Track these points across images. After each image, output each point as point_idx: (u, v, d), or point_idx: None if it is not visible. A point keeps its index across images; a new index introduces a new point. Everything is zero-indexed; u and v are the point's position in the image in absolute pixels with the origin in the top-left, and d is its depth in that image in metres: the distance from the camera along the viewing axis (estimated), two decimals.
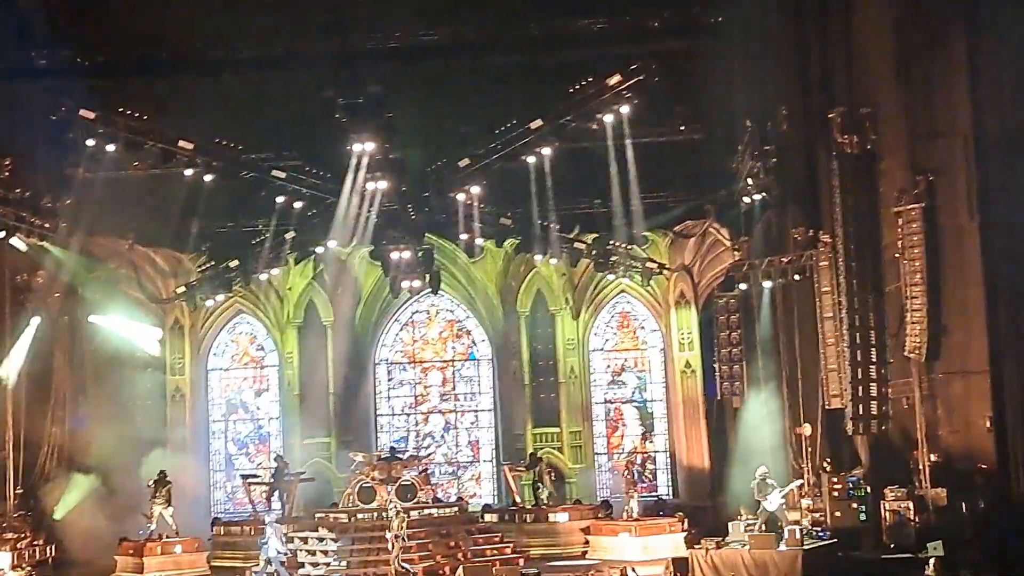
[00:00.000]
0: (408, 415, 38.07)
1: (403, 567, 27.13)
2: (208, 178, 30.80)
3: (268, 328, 37.61)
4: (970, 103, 28.08)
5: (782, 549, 25.41)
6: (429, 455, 36.19)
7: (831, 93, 31.18)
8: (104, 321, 34.00)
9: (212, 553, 31.16)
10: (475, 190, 32.09)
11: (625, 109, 29.72)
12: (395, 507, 28.31)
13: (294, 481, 33.23)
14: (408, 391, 38.13)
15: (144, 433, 34.52)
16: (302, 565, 27.69)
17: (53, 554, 31.46)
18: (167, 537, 30.52)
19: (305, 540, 28.40)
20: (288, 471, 33.24)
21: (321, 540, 28.12)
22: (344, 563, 27.23)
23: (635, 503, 31.39)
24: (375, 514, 29.47)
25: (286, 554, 27.59)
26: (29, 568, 28.18)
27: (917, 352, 27.68)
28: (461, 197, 32.10)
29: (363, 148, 30.05)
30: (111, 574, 29.59)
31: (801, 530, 26.37)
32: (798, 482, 29.28)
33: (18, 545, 29.84)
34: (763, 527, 26.98)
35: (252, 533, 31.49)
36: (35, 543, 30.99)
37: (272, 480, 33.02)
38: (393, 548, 27.09)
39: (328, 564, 27.42)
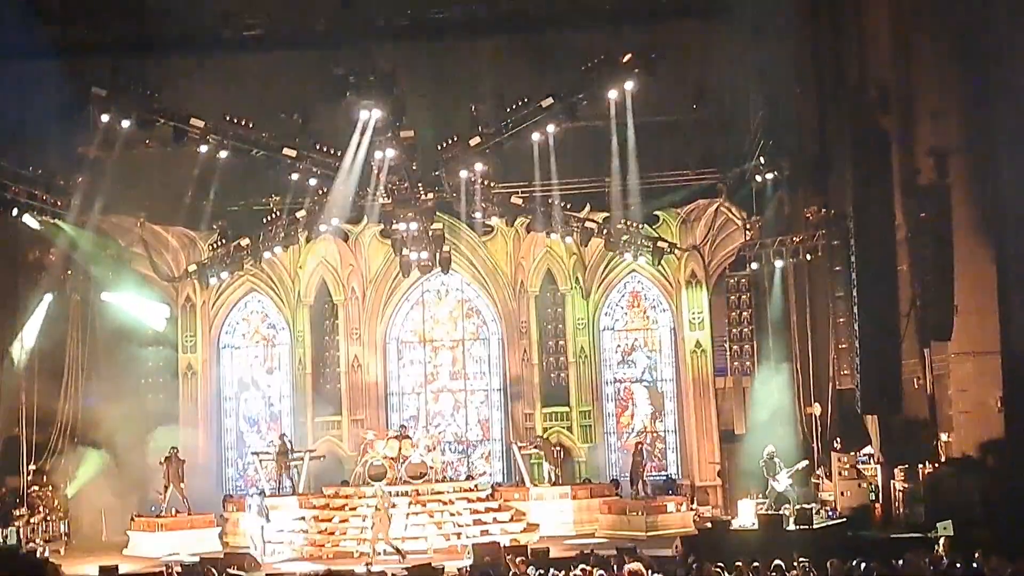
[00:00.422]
0: (418, 394, 38.10)
1: (392, 546, 27.25)
2: (220, 156, 30.82)
3: (279, 306, 37.62)
4: (982, 79, 28.02)
5: (791, 528, 25.48)
6: (439, 434, 36.24)
7: (844, 72, 31.11)
8: (116, 299, 34.09)
9: (224, 529, 31.27)
10: (486, 169, 32.05)
11: (637, 88, 29.63)
12: (378, 489, 28.37)
13: (304, 458, 33.36)
14: (418, 370, 38.14)
15: (156, 410, 34.65)
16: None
17: (66, 530, 31.65)
18: (179, 513, 30.69)
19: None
20: (292, 450, 33.39)
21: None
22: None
23: (645, 482, 31.47)
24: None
25: (263, 526, 27.97)
26: (42, 544, 28.31)
27: (929, 332, 27.68)
28: (472, 176, 32.06)
29: (373, 126, 30.03)
30: (123, 550, 29.74)
31: (810, 509, 26.44)
32: (804, 463, 29.33)
33: (31, 521, 30.02)
34: (772, 506, 27.06)
35: None
36: (48, 519, 31.20)
37: (276, 458, 33.17)
38: (373, 527, 27.20)
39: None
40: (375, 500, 28.22)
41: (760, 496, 28.51)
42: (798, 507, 27.29)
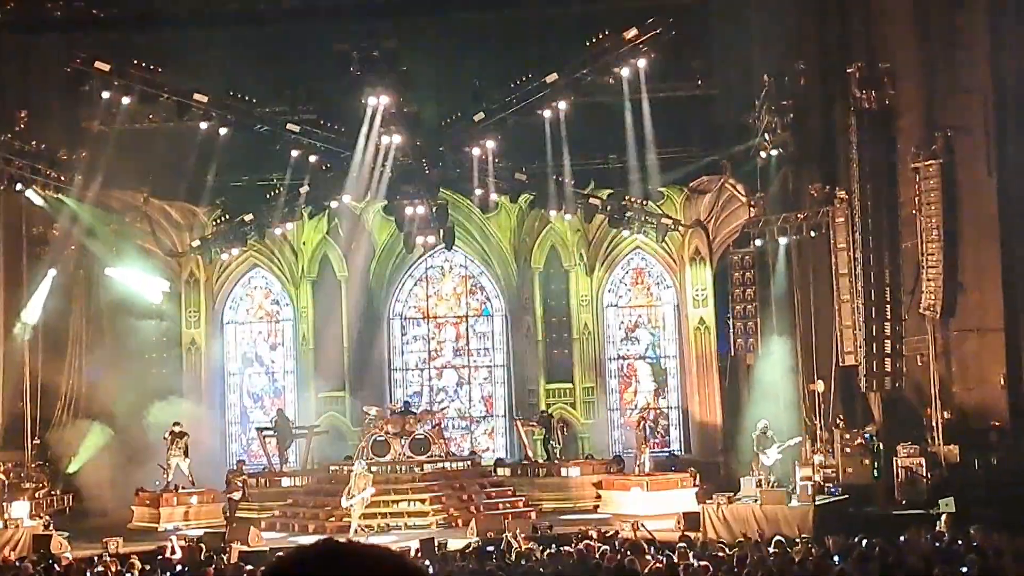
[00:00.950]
0: (422, 370, 38.15)
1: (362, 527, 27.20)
2: (223, 131, 30.81)
3: (283, 282, 37.62)
4: (989, 60, 27.97)
5: (794, 504, 25.51)
6: (442, 410, 36.30)
7: (849, 48, 31.03)
8: (119, 274, 34.09)
9: (227, 504, 31.32)
10: (490, 145, 32.00)
11: (641, 63, 29.53)
12: (360, 466, 28.21)
13: (308, 434, 33.44)
14: (422, 346, 38.18)
15: (159, 385, 34.66)
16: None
17: (70, 504, 31.73)
18: (183, 488, 30.78)
19: None
20: (293, 426, 33.49)
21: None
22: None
23: (647, 458, 31.51)
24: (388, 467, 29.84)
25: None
26: (47, 518, 28.37)
27: (932, 309, 27.70)
28: (476, 152, 32.03)
29: (377, 102, 30.00)
30: (127, 524, 29.80)
31: (812, 485, 26.46)
32: (797, 439, 29.32)
33: (36, 495, 30.07)
34: (762, 482, 27.06)
35: (268, 485, 31.79)
36: (52, 493, 31.27)
37: (275, 434, 33.25)
38: (356, 509, 27.06)
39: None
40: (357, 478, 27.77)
41: (753, 471, 28.52)
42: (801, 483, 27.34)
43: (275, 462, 33.39)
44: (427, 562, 19.35)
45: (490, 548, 21.13)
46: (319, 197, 33.46)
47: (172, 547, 22.55)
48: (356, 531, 26.70)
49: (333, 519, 28.74)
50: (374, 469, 29.00)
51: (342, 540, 3.58)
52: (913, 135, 28.75)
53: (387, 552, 3.46)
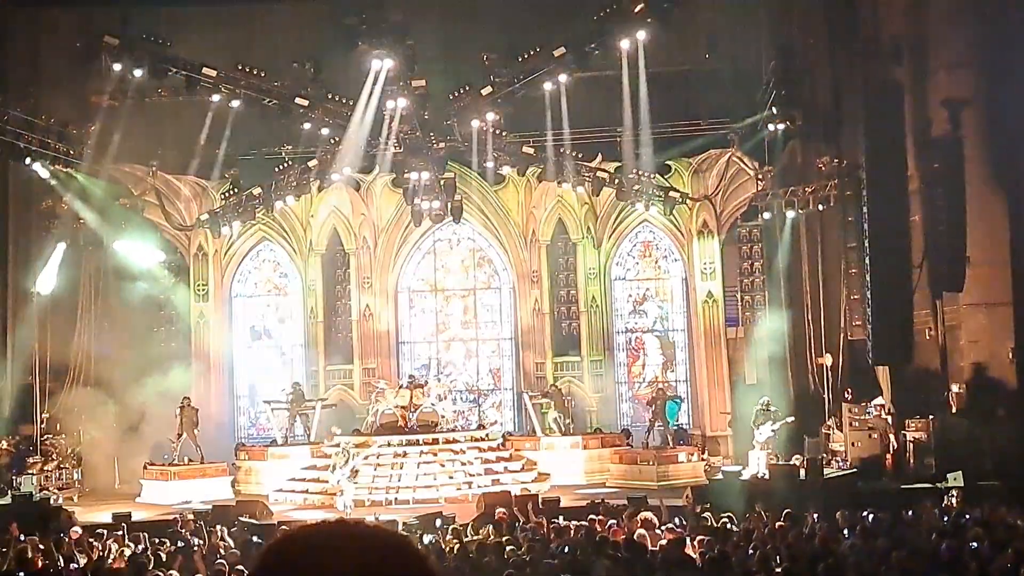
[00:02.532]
0: (429, 343, 38.21)
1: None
2: (232, 105, 30.81)
3: (291, 255, 37.66)
4: (994, 35, 27.90)
5: (801, 477, 25.58)
6: (451, 383, 36.37)
7: (857, 21, 30.94)
8: (128, 248, 34.12)
9: (236, 478, 31.47)
10: (498, 118, 31.99)
11: (649, 37, 29.47)
12: (345, 445, 28.07)
13: (316, 407, 33.54)
14: (430, 319, 38.24)
15: (168, 359, 34.72)
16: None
17: (79, 478, 31.86)
18: (191, 462, 30.90)
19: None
20: (306, 398, 33.59)
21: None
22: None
23: (656, 432, 31.60)
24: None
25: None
26: (55, 492, 28.50)
27: (941, 283, 27.69)
28: (483, 125, 32.01)
29: (385, 75, 29.96)
30: (136, 498, 29.93)
31: (820, 459, 26.53)
32: (791, 418, 29.41)
33: (44, 468, 30.20)
34: (760, 457, 27.15)
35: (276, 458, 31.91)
36: (61, 467, 31.38)
37: (290, 406, 33.34)
38: (344, 492, 26.87)
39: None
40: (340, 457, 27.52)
41: (754, 444, 28.65)
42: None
43: (283, 435, 33.51)
44: (429, 537, 19.39)
45: (498, 522, 21.12)
46: (327, 170, 33.46)
47: (182, 520, 22.58)
48: (347, 507, 26.49)
49: (341, 493, 28.84)
50: (382, 440, 29.22)
51: (344, 520, 3.61)
52: (921, 109, 28.69)
53: (390, 534, 3.49)
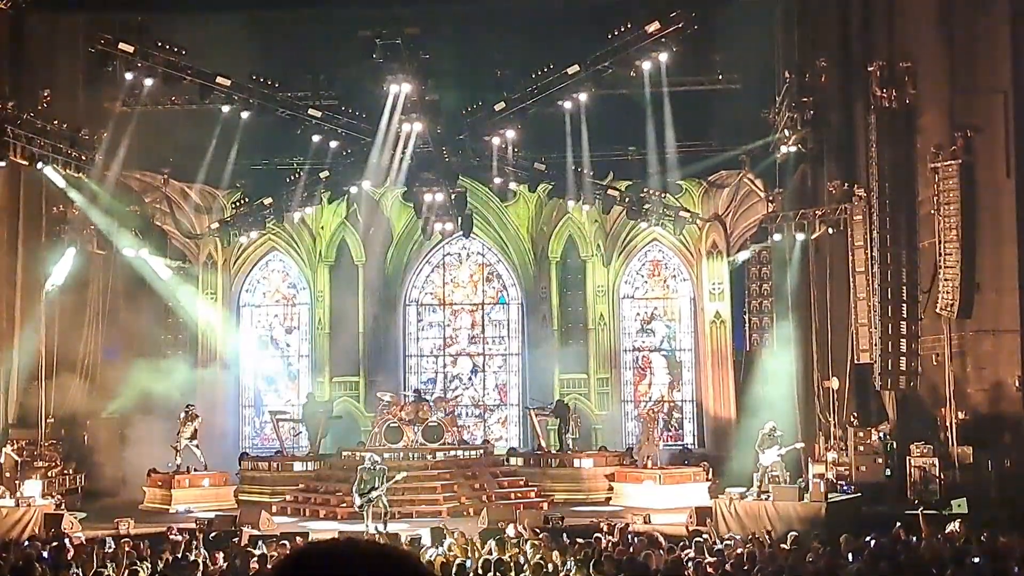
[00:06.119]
0: (437, 357, 38.21)
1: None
2: (244, 115, 30.89)
3: (300, 266, 37.69)
4: (1011, 60, 27.89)
5: (805, 501, 25.49)
6: (456, 397, 36.35)
7: (871, 45, 30.96)
8: (137, 254, 34.16)
9: (239, 487, 31.46)
10: (510, 134, 32.07)
11: (663, 56, 29.50)
12: (374, 463, 27.02)
13: (322, 419, 33.52)
14: (437, 333, 38.22)
15: (175, 367, 34.72)
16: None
17: (83, 483, 31.84)
18: (195, 470, 30.89)
19: None
20: (319, 410, 33.60)
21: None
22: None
23: (657, 453, 31.54)
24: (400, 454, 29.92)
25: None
26: (59, 497, 28.49)
27: (948, 309, 27.66)
28: (496, 141, 32.09)
29: (399, 89, 30.03)
30: (139, 505, 29.92)
31: (825, 483, 26.44)
32: (799, 444, 29.27)
33: (48, 474, 30.18)
34: (760, 481, 27.03)
35: (280, 469, 31.89)
36: (65, 472, 31.36)
37: (301, 417, 33.32)
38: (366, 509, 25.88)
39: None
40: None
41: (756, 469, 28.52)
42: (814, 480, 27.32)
43: (287, 446, 33.50)
44: (434, 551, 19.37)
45: (500, 537, 21.07)
46: (339, 182, 33.53)
47: (170, 533, 22.24)
48: (376, 528, 25.74)
49: (344, 505, 28.79)
50: (386, 456, 28.67)
51: (354, 538, 3.62)
52: (933, 134, 28.67)
53: (398, 552, 3.50)
